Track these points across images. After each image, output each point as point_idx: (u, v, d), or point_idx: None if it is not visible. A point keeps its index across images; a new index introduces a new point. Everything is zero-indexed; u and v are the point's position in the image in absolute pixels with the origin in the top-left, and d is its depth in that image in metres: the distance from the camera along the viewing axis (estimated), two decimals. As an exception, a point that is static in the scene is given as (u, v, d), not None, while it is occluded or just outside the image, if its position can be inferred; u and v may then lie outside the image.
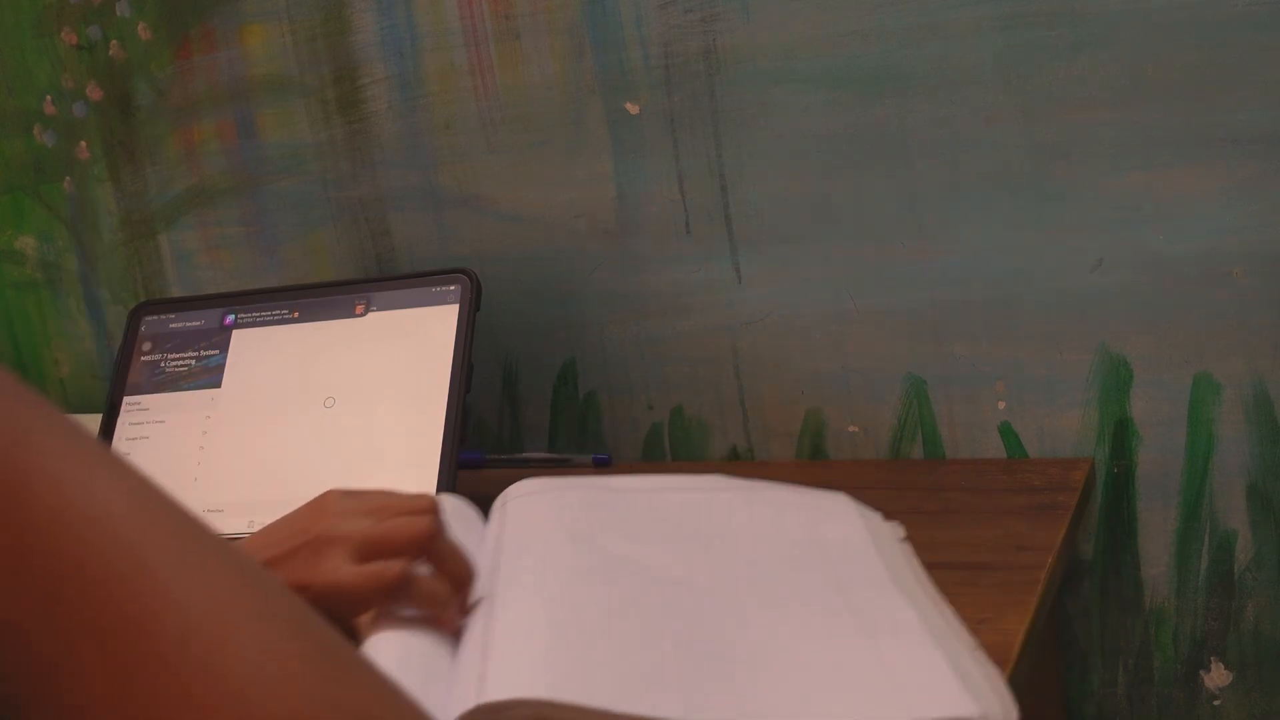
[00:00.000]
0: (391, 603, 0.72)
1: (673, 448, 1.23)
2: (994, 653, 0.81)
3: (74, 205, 1.41)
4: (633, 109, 1.17)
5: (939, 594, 0.84)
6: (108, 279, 1.42)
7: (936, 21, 1.06)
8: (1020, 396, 1.11)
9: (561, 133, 1.20)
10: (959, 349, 1.12)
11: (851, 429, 1.17)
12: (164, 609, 0.35)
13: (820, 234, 1.14)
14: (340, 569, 0.72)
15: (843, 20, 1.08)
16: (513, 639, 0.70)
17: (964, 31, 1.05)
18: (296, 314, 1.20)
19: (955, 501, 1.05)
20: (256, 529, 0.82)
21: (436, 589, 0.74)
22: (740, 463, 1.21)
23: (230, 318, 1.21)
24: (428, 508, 0.75)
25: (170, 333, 1.23)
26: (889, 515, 1.04)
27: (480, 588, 0.78)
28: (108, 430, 1.19)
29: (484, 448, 1.26)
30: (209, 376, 1.19)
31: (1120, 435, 1.09)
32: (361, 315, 1.18)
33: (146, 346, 1.23)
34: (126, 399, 1.21)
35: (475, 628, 0.73)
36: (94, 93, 1.37)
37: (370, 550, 0.73)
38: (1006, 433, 1.12)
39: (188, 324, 1.22)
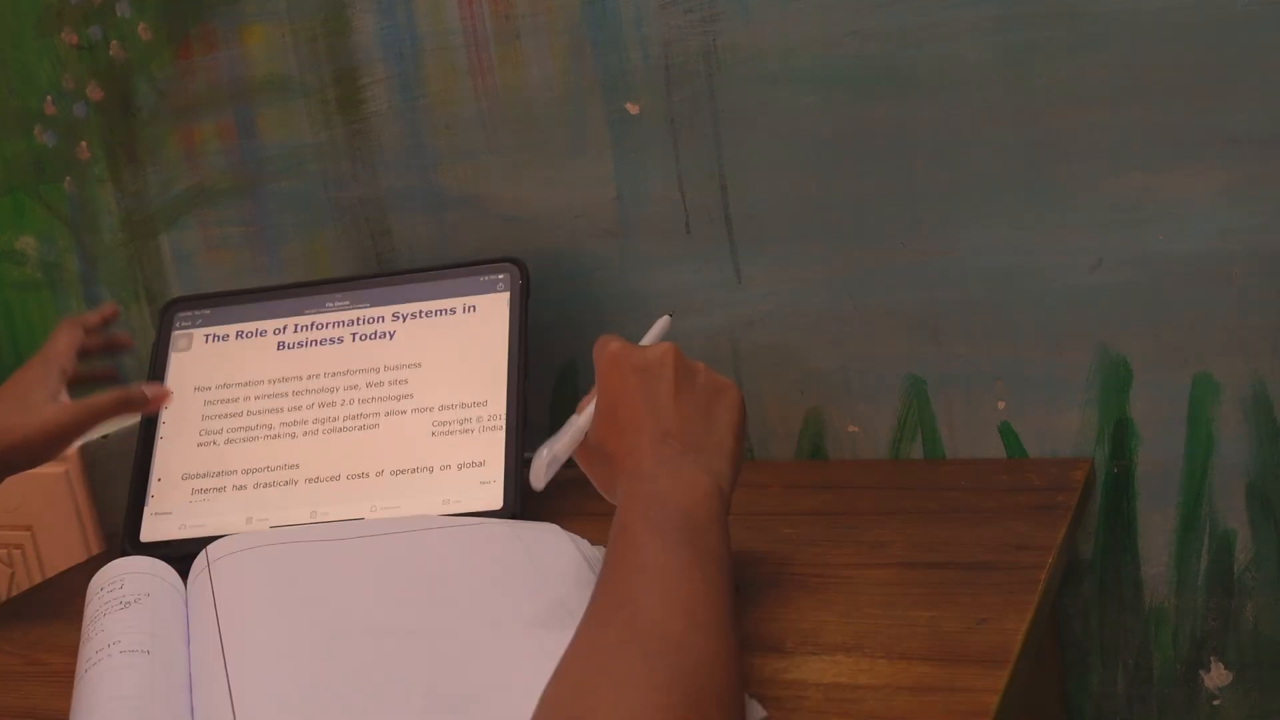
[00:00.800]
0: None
1: (673, 448, 1.23)
2: (994, 652, 0.81)
3: (74, 205, 1.41)
4: (633, 109, 1.17)
5: None
6: (108, 279, 1.42)
7: (936, 21, 1.06)
8: (1020, 396, 1.11)
9: (561, 133, 1.20)
10: (959, 349, 1.12)
11: (851, 429, 1.17)
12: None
13: (820, 234, 1.14)
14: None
15: (843, 20, 1.08)
16: None
17: (964, 31, 1.05)
18: (347, 302, 1.21)
19: (955, 501, 1.05)
20: (330, 509, 0.84)
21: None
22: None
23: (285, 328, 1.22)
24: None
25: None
26: (889, 515, 1.04)
27: (203, 658, 0.76)
28: (148, 425, 1.18)
29: (484, 448, 1.26)
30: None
31: (1120, 435, 1.09)
32: (411, 306, 1.19)
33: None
34: (197, 389, 1.20)
35: (212, 704, 0.71)
36: (94, 93, 1.37)
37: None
38: (1006, 433, 1.12)
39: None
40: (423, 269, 1.22)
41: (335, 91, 1.27)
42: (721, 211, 1.16)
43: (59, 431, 1.04)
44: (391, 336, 1.18)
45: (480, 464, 1.10)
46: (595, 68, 1.17)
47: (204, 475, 1.15)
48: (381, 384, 1.16)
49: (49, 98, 1.39)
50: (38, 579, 1.29)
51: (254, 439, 1.16)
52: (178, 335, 1.22)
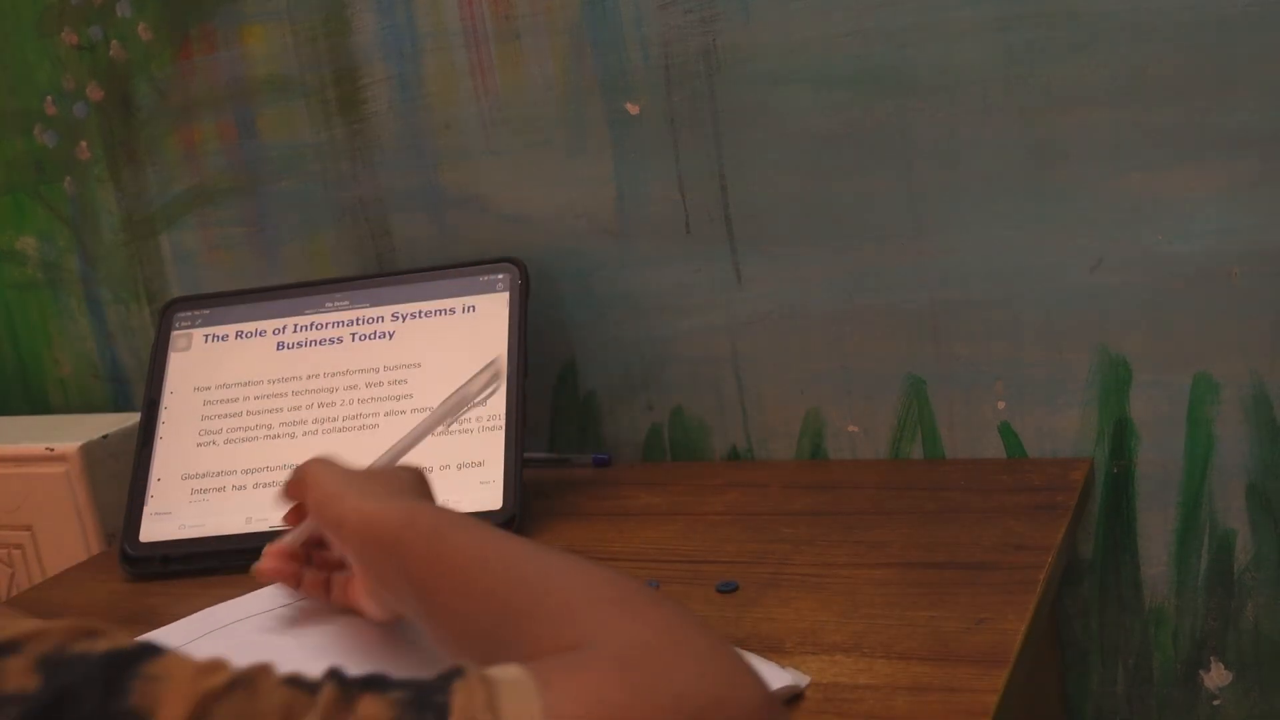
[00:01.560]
0: None
1: (673, 448, 1.24)
2: (993, 652, 0.81)
3: (75, 205, 1.41)
4: (633, 109, 1.17)
5: None
6: (108, 279, 1.42)
7: (936, 21, 1.06)
8: (1020, 396, 1.11)
9: (561, 133, 1.20)
10: (959, 349, 1.12)
11: (851, 429, 1.17)
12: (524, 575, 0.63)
13: (820, 234, 1.14)
14: None
15: (843, 20, 1.08)
16: None
17: (964, 31, 1.05)
18: (347, 302, 1.21)
19: (955, 501, 1.05)
20: None
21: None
22: (741, 462, 1.21)
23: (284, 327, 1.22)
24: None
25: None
26: (889, 515, 1.04)
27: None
28: (148, 428, 1.19)
29: (484, 448, 1.26)
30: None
31: (1120, 435, 1.09)
32: (411, 306, 1.19)
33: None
34: (197, 389, 1.20)
35: None
36: (95, 93, 1.37)
37: None
38: (1006, 433, 1.12)
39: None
40: (422, 269, 1.22)
41: (335, 91, 1.27)
42: (721, 211, 1.16)
43: None
44: (391, 337, 1.18)
45: (480, 464, 1.10)
46: (595, 68, 1.17)
47: (203, 475, 1.15)
48: (381, 384, 1.16)
49: (49, 98, 1.39)
50: (38, 579, 1.29)
51: (253, 439, 1.16)
52: (177, 335, 1.22)
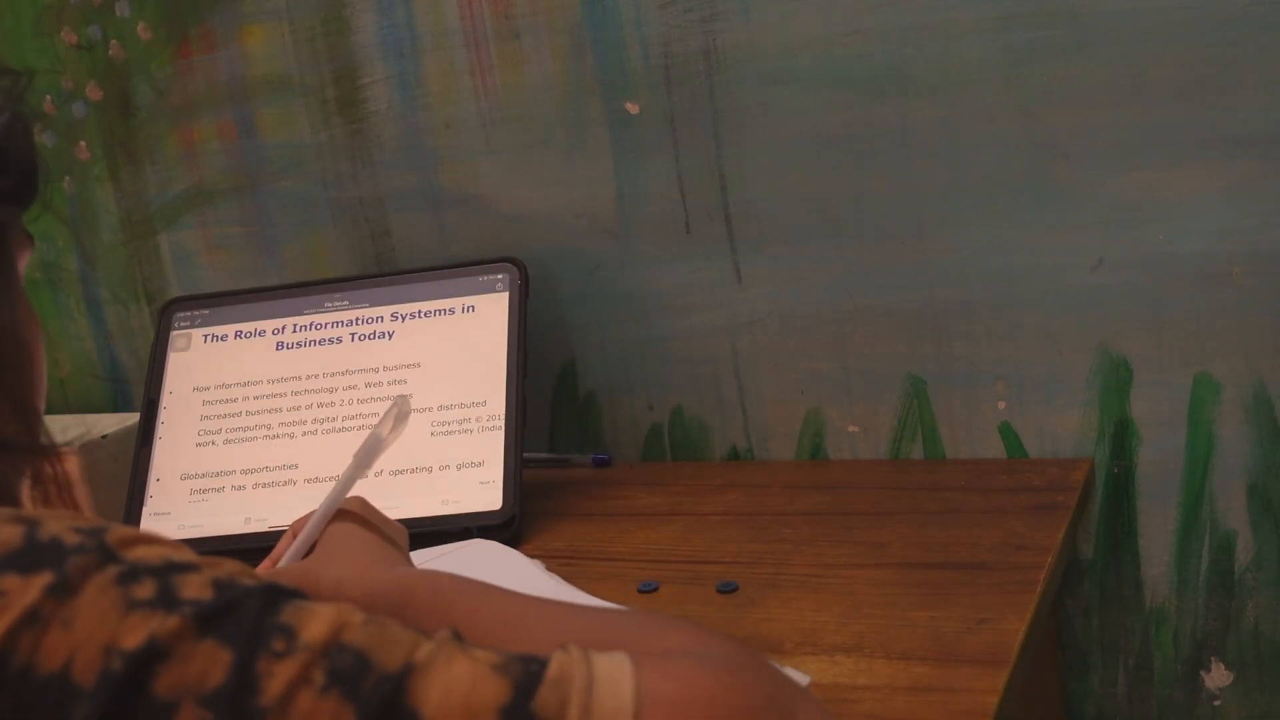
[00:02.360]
0: None
1: (673, 448, 1.23)
2: (994, 653, 0.81)
3: (74, 205, 1.41)
4: (633, 109, 1.17)
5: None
6: (108, 279, 1.42)
7: (936, 21, 1.06)
8: (1020, 396, 1.11)
9: (561, 133, 1.19)
10: (959, 349, 1.12)
11: (851, 429, 1.17)
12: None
13: (820, 234, 1.14)
14: None
15: (843, 20, 1.08)
16: None
17: (964, 31, 1.05)
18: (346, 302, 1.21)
19: (955, 501, 1.05)
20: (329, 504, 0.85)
21: None
22: (741, 462, 1.21)
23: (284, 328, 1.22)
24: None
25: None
26: (889, 515, 1.04)
27: None
28: (147, 428, 1.18)
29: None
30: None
31: (1120, 435, 1.09)
32: (410, 306, 1.19)
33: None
34: (196, 389, 1.20)
35: None
36: (94, 93, 1.37)
37: None
38: (1006, 433, 1.12)
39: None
40: (422, 269, 1.22)
41: (335, 91, 1.27)
42: (721, 211, 1.16)
43: None
44: (390, 337, 1.18)
45: (479, 464, 1.10)
46: (595, 67, 1.17)
47: (203, 475, 1.15)
48: (381, 384, 1.16)
49: (48, 97, 1.39)
50: (37, 579, 1.29)
51: (253, 439, 1.16)
52: (176, 335, 1.22)
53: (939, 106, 1.07)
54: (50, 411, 1.53)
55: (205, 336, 1.22)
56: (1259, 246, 1.02)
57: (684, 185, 1.17)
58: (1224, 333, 1.04)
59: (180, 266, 1.37)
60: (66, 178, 1.40)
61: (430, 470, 1.11)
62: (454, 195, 1.25)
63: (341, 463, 1.12)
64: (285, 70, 1.28)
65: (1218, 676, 1.10)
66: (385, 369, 1.17)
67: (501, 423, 1.11)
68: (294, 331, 1.20)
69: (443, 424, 1.13)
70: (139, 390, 1.36)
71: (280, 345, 1.20)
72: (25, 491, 0.64)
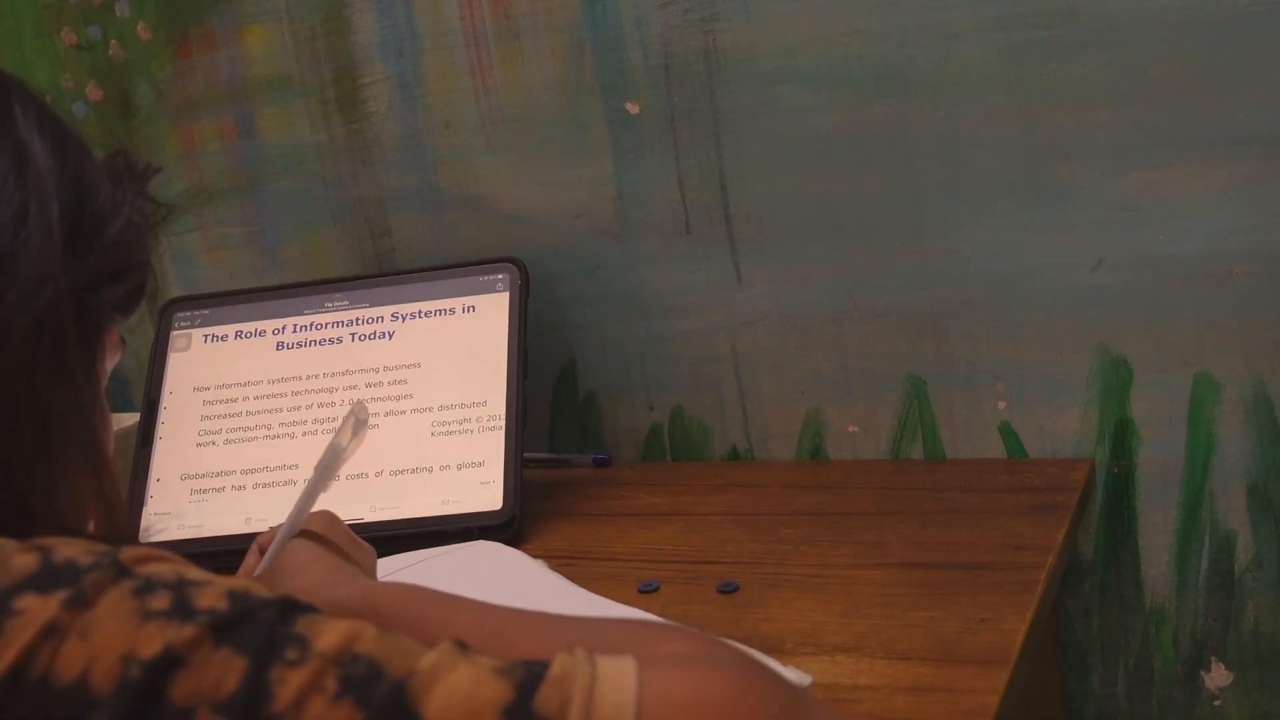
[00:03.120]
0: None
1: (673, 448, 1.23)
2: (994, 653, 0.81)
3: (74, 205, 1.41)
4: (633, 109, 1.17)
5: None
6: (108, 279, 1.41)
7: (936, 21, 1.06)
8: (1020, 396, 1.11)
9: (561, 133, 1.19)
10: (959, 349, 1.12)
11: (851, 429, 1.17)
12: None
13: (820, 234, 1.14)
14: None
15: (843, 20, 1.08)
16: None
17: (964, 31, 1.05)
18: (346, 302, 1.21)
19: (955, 501, 1.05)
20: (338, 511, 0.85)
21: None
22: (741, 462, 1.21)
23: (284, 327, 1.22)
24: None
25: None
26: (889, 515, 1.04)
27: None
28: (147, 428, 1.18)
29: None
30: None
31: (1120, 435, 1.09)
32: (410, 306, 1.19)
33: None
34: (196, 389, 1.19)
35: None
36: (94, 93, 1.37)
37: None
38: (1006, 433, 1.12)
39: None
40: (422, 269, 1.22)
41: (335, 91, 1.27)
42: (721, 211, 1.16)
43: None
44: (391, 336, 1.18)
45: (479, 464, 1.10)
46: (595, 68, 1.17)
47: (203, 476, 1.15)
48: (381, 384, 1.16)
49: (48, 97, 1.39)
50: (37, 579, 1.29)
51: (253, 439, 1.16)
52: (176, 335, 1.22)
53: (939, 106, 1.07)
54: (50, 411, 1.53)
55: (205, 336, 1.22)
56: (1259, 246, 1.02)
57: (684, 185, 1.17)
58: (1224, 333, 1.04)
59: (180, 266, 1.37)
60: (66, 178, 1.40)
61: (430, 470, 1.11)
62: (454, 195, 1.25)
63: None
64: (285, 70, 1.28)
65: (1218, 676, 1.10)
66: (385, 369, 1.17)
67: (501, 423, 1.11)
68: (294, 331, 1.20)
69: (443, 424, 1.13)
70: (139, 390, 1.36)
71: (280, 345, 1.20)
72: None
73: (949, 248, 1.10)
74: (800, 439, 1.19)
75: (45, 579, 0.51)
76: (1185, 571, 1.09)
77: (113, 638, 0.50)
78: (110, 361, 0.67)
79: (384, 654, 0.51)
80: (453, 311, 1.18)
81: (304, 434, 1.15)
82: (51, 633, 0.49)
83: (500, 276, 1.18)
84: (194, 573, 0.54)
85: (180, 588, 0.52)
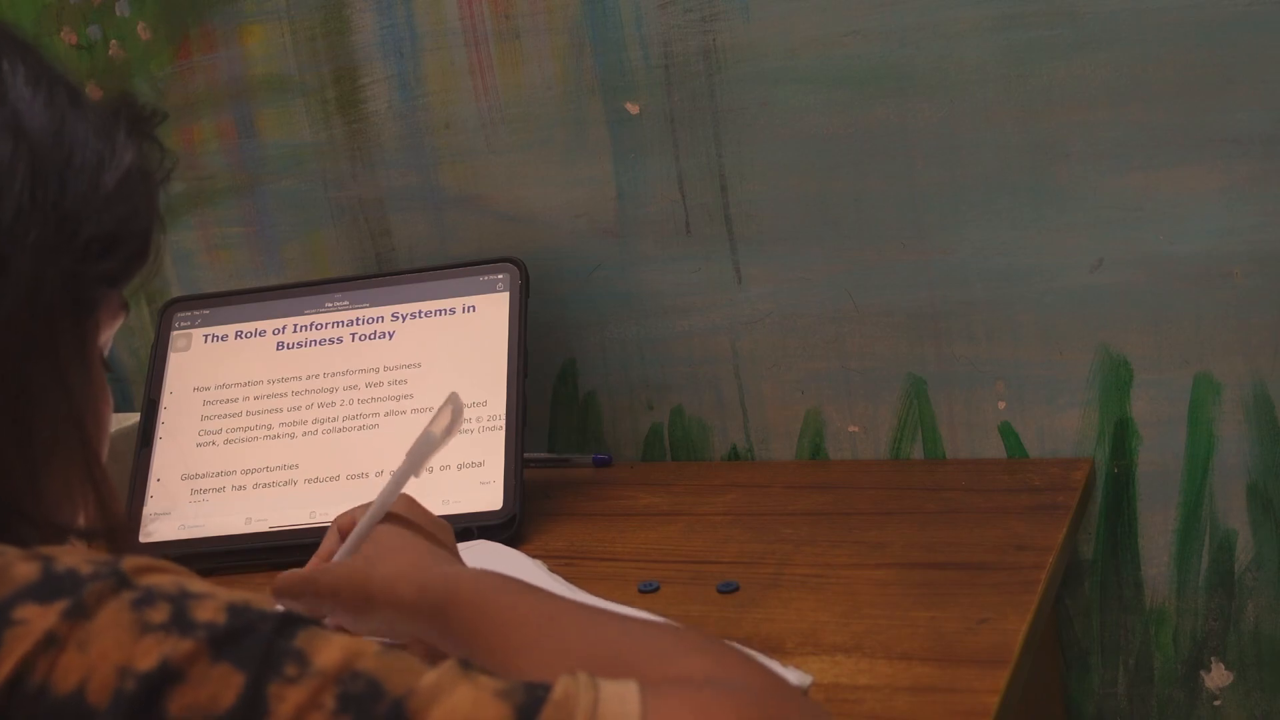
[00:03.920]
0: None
1: (673, 448, 1.23)
2: (994, 652, 0.81)
3: (74, 205, 1.41)
4: (633, 109, 1.17)
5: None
6: (108, 279, 1.42)
7: (936, 21, 1.06)
8: (1020, 396, 1.11)
9: (561, 133, 1.19)
10: (959, 349, 1.12)
11: (851, 429, 1.17)
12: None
13: (820, 234, 1.14)
14: None
15: (843, 20, 1.08)
16: None
17: (964, 31, 1.05)
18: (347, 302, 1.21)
19: (955, 501, 1.05)
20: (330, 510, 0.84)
21: None
22: (741, 462, 1.21)
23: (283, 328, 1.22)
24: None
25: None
26: (889, 515, 1.04)
27: None
28: (147, 428, 1.18)
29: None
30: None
31: (1120, 435, 1.09)
32: (411, 306, 1.19)
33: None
34: (196, 389, 1.19)
35: None
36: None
37: None
38: (1007, 433, 1.12)
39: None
40: (422, 269, 1.22)
41: (335, 91, 1.27)
42: (721, 211, 1.16)
43: None
44: (391, 336, 1.18)
45: (480, 464, 1.10)
46: (595, 67, 1.17)
47: (203, 476, 1.15)
48: (381, 384, 1.16)
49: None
50: (37, 579, 1.29)
51: (253, 439, 1.16)
52: (177, 335, 1.22)
53: (939, 106, 1.07)
54: (50, 411, 1.53)
55: (205, 336, 1.22)
56: (1259, 246, 1.02)
57: (684, 185, 1.17)
58: (1224, 333, 1.04)
59: (180, 266, 1.37)
60: (66, 178, 1.40)
61: (430, 470, 1.11)
62: (454, 195, 1.25)
63: (342, 462, 1.13)
64: (285, 70, 1.28)
65: (1218, 676, 1.10)
66: (385, 369, 1.17)
67: (502, 423, 1.11)
68: (294, 331, 1.20)
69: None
70: (139, 390, 1.36)
71: (280, 345, 1.20)
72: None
73: (949, 248, 1.10)
74: (800, 439, 1.19)
75: (46, 589, 0.51)
76: (1185, 571, 1.09)
77: (110, 650, 0.49)
78: (110, 329, 0.64)
79: (384, 672, 0.51)
80: (453, 311, 1.18)
81: (304, 434, 1.15)
82: (50, 643, 0.49)
83: (500, 276, 1.18)
84: (196, 585, 0.53)
85: (180, 600, 0.52)
